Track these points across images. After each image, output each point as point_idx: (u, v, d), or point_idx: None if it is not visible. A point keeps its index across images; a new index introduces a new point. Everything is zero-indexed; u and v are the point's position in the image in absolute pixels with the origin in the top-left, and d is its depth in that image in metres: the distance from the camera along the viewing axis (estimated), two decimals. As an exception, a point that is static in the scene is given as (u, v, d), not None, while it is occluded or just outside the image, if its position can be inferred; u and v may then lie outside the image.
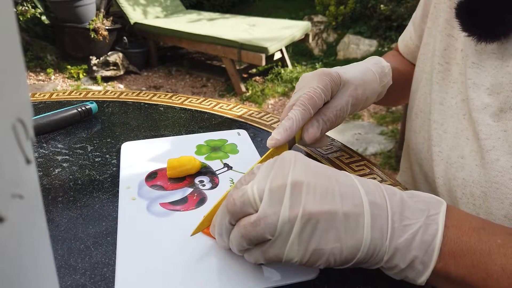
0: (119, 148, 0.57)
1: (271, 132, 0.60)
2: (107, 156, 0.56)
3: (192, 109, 0.69)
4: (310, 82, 0.46)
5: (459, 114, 0.46)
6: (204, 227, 0.39)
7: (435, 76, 0.50)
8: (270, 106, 2.95)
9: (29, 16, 3.45)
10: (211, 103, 0.71)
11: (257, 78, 3.38)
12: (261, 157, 0.54)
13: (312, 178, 0.30)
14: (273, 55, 3.19)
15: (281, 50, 3.27)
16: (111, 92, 0.77)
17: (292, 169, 0.31)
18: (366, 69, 0.51)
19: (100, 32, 3.40)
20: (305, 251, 0.30)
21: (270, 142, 0.44)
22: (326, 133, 0.51)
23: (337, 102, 0.48)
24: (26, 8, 3.45)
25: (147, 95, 0.75)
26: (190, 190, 0.48)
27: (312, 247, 0.30)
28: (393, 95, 0.61)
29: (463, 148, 0.45)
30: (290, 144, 0.47)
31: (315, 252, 0.30)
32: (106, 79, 3.40)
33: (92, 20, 3.43)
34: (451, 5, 0.48)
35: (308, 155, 0.55)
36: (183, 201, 0.46)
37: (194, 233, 0.38)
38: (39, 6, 3.56)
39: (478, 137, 0.42)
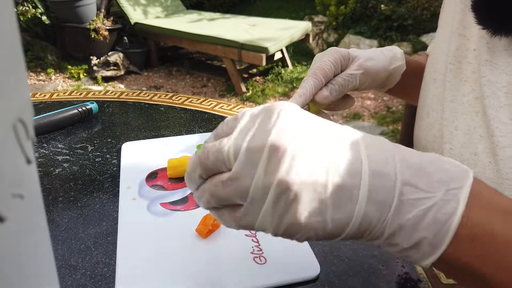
0: (120, 148, 0.57)
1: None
2: (108, 156, 0.56)
3: (192, 109, 0.69)
4: (322, 57, 0.51)
5: (471, 111, 0.47)
6: None
7: (447, 75, 0.51)
8: (270, 106, 2.95)
9: (29, 16, 3.45)
10: (211, 103, 0.71)
11: (258, 78, 3.38)
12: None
13: (298, 141, 0.26)
14: (273, 55, 3.19)
15: (281, 50, 3.27)
16: (111, 92, 0.77)
17: (276, 127, 0.26)
18: (376, 50, 0.55)
19: (100, 32, 3.41)
20: (279, 223, 0.26)
21: None
22: (350, 96, 0.54)
23: (347, 71, 0.51)
24: (27, 8, 3.45)
25: (148, 95, 0.75)
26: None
27: (287, 220, 0.26)
28: (411, 85, 0.63)
29: (476, 145, 0.46)
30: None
31: (291, 226, 0.26)
32: (106, 79, 3.41)
33: (93, 20, 3.43)
34: (464, 6, 0.49)
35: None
36: (183, 201, 0.46)
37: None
38: (39, 6, 3.56)
39: (493, 134, 0.43)
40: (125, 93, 0.76)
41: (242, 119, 0.29)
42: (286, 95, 3.09)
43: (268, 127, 0.26)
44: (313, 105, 0.51)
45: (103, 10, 3.60)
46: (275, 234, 0.27)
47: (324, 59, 0.50)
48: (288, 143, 0.26)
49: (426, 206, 0.26)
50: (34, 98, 0.75)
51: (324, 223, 0.26)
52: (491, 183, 0.43)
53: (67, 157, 0.55)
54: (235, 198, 0.27)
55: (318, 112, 0.53)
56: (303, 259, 0.39)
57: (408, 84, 0.62)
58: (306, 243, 0.41)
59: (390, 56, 0.55)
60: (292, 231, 0.27)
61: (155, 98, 0.74)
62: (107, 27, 3.47)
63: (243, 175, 0.26)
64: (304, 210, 0.26)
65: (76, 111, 0.64)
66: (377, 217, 0.26)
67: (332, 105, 0.52)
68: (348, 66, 0.52)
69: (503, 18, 0.40)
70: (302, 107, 0.47)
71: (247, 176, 0.26)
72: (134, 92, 0.77)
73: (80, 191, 0.48)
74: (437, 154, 0.29)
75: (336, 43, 3.75)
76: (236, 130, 0.28)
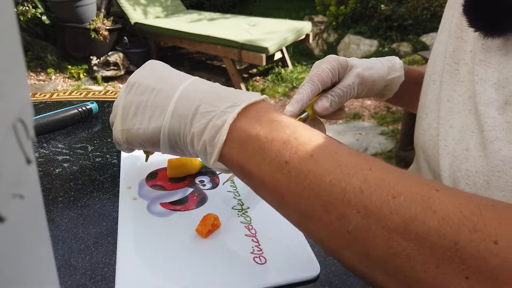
0: (120, 148, 0.57)
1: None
2: (108, 156, 0.56)
3: (192, 109, 0.69)
4: (320, 64, 0.54)
5: (465, 110, 0.48)
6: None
7: (444, 76, 0.52)
8: (270, 106, 2.95)
9: (29, 16, 3.45)
10: (211, 103, 0.71)
11: (258, 78, 3.38)
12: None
13: (143, 78, 0.39)
14: (273, 55, 3.19)
15: (281, 50, 3.27)
16: (111, 92, 0.77)
17: (138, 71, 0.41)
18: (374, 59, 0.57)
19: (100, 32, 3.41)
20: (122, 131, 0.39)
21: (285, 113, 0.50)
22: (342, 108, 0.57)
23: (344, 81, 0.53)
24: (27, 8, 3.45)
25: (148, 95, 0.75)
26: (190, 190, 0.48)
27: (125, 127, 0.38)
28: (411, 95, 0.64)
29: (468, 141, 0.47)
30: (305, 117, 0.53)
31: (127, 132, 0.38)
32: (106, 79, 3.41)
33: (93, 20, 3.43)
34: (461, 9, 0.50)
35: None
36: (183, 201, 0.46)
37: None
38: (39, 6, 3.56)
39: (483, 129, 0.44)
40: (125, 93, 0.76)
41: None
42: (286, 95, 3.09)
43: (135, 72, 0.42)
44: (311, 111, 0.52)
45: (103, 10, 3.60)
46: (126, 142, 0.39)
47: (323, 66, 0.52)
48: (136, 79, 0.40)
49: (210, 116, 0.33)
50: (34, 98, 0.75)
51: (146, 130, 0.37)
52: (481, 176, 0.44)
53: (67, 157, 0.55)
54: (112, 118, 0.41)
55: (314, 119, 0.54)
56: (303, 259, 0.39)
57: (409, 93, 0.62)
58: (306, 243, 0.41)
59: (389, 66, 0.56)
60: (129, 137, 0.39)
61: (155, 98, 0.74)
62: (107, 27, 3.47)
63: (117, 103, 0.40)
64: (133, 120, 0.38)
65: (76, 111, 0.64)
66: (178, 128, 0.35)
67: (327, 115, 0.55)
68: (345, 74, 0.54)
69: (493, 20, 0.41)
70: (299, 112, 0.52)
71: (117, 103, 0.40)
72: (134, 92, 0.77)
73: (80, 191, 0.48)
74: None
75: (336, 43, 3.75)
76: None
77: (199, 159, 0.51)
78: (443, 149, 0.50)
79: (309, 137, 0.31)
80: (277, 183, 0.30)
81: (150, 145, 0.38)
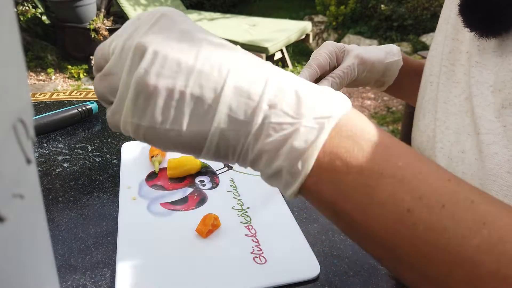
0: (120, 148, 0.57)
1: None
2: (108, 156, 0.56)
3: (192, 109, 0.69)
4: (318, 51, 0.54)
5: (462, 111, 0.48)
6: None
7: (440, 77, 0.53)
8: (270, 106, 2.95)
9: (29, 16, 3.45)
10: (211, 103, 0.71)
11: (258, 78, 3.38)
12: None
13: (166, 45, 0.25)
14: (273, 55, 3.19)
15: (281, 50, 3.27)
16: (111, 92, 0.77)
17: (149, 28, 0.25)
18: (371, 46, 0.58)
19: (100, 32, 3.41)
20: (138, 126, 0.26)
21: None
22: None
23: (344, 63, 0.54)
24: (27, 8, 3.45)
25: (148, 95, 0.75)
26: (190, 190, 0.48)
27: (145, 123, 0.25)
28: (412, 84, 0.64)
29: (464, 143, 0.47)
30: None
31: (148, 130, 0.25)
32: (106, 79, 3.40)
33: (93, 20, 3.43)
34: (457, 10, 0.50)
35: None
36: (183, 200, 0.46)
37: None
38: (39, 6, 3.56)
39: (479, 132, 0.44)
40: (125, 93, 0.76)
41: (131, 21, 0.28)
42: (286, 95, 3.09)
43: (144, 28, 0.26)
44: None
45: (103, 10, 3.60)
46: (137, 137, 0.26)
47: (320, 51, 0.53)
48: (153, 44, 0.25)
49: (287, 132, 0.24)
50: (34, 98, 0.75)
51: (180, 133, 0.25)
52: (476, 179, 0.44)
53: (67, 157, 0.55)
54: (107, 94, 0.27)
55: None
56: (303, 259, 0.39)
57: (409, 83, 0.63)
58: (306, 243, 0.41)
59: (386, 51, 0.58)
60: (151, 137, 0.26)
61: (155, 98, 0.74)
62: (107, 27, 3.47)
63: (114, 72, 0.26)
64: (160, 115, 0.25)
65: (76, 111, 0.64)
66: (235, 138, 0.25)
67: None
68: (344, 58, 0.55)
69: (489, 20, 0.41)
70: None
71: (117, 73, 0.26)
72: (134, 92, 0.77)
73: (80, 191, 0.48)
74: (326, 87, 0.27)
75: (336, 43, 3.75)
76: (122, 28, 0.28)
77: (201, 160, 0.51)
78: (439, 150, 0.50)
79: (429, 173, 0.24)
80: (394, 237, 0.23)
81: (182, 151, 0.27)
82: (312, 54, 0.56)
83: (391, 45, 0.60)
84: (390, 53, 0.58)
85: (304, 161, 0.24)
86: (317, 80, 0.56)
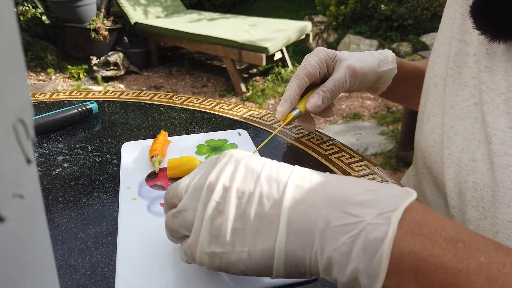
0: (120, 148, 0.57)
1: (271, 132, 0.60)
2: (108, 156, 0.56)
3: (192, 109, 0.69)
4: (308, 58, 0.53)
5: (471, 117, 0.46)
6: None
7: (447, 80, 0.51)
8: (270, 106, 2.95)
9: (29, 16, 3.45)
10: (211, 103, 0.71)
11: (258, 78, 3.38)
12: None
13: (232, 180, 0.28)
14: (273, 55, 3.19)
15: (281, 50, 3.27)
16: (111, 92, 0.77)
17: (216, 169, 0.29)
18: (364, 52, 0.56)
19: (100, 32, 3.41)
20: (213, 254, 0.27)
21: (277, 115, 0.53)
22: (331, 106, 0.56)
23: (335, 75, 0.52)
24: (27, 8, 3.45)
25: (148, 95, 0.75)
26: (190, 190, 0.48)
27: (218, 249, 0.27)
28: (406, 90, 0.63)
29: (474, 151, 0.45)
30: (298, 115, 0.53)
31: (223, 257, 0.27)
32: (106, 79, 3.41)
33: (93, 20, 3.43)
34: (463, 11, 0.49)
35: (308, 155, 0.55)
36: (183, 201, 0.46)
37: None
38: (39, 6, 3.56)
39: (491, 141, 0.42)
40: (125, 93, 0.76)
41: (200, 164, 0.32)
42: (286, 95, 3.09)
43: (211, 169, 0.30)
44: (303, 108, 0.52)
45: (103, 10, 3.60)
46: (214, 268, 0.28)
47: (310, 59, 0.52)
48: (219, 180, 0.28)
49: (354, 233, 0.24)
50: (34, 98, 0.75)
51: (249, 253, 0.26)
52: (489, 190, 0.43)
53: (67, 157, 0.55)
54: (182, 229, 0.30)
55: (304, 115, 0.55)
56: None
57: (403, 88, 0.61)
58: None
59: (380, 59, 0.56)
60: (225, 263, 0.27)
61: (155, 98, 0.74)
62: (107, 27, 3.47)
63: (188, 207, 0.29)
64: (230, 240, 0.27)
65: (76, 111, 0.64)
66: (301, 248, 0.25)
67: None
68: (335, 66, 0.53)
69: (501, 24, 0.40)
70: (291, 110, 0.52)
71: (191, 209, 0.29)
72: (134, 92, 0.77)
73: (80, 191, 0.48)
74: (383, 184, 0.28)
75: (336, 43, 3.75)
76: (193, 171, 0.32)
77: (199, 159, 0.51)
78: (447, 157, 0.48)
79: None
80: None
81: (257, 272, 0.27)
82: (303, 60, 0.55)
83: (386, 51, 0.58)
84: (384, 61, 0.56)
85: (379, 261, 0.23)
86: (307, 90, 0.54)
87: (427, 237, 0.24)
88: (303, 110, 0.53)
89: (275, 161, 0.30)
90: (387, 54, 0.57)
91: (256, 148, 0.54)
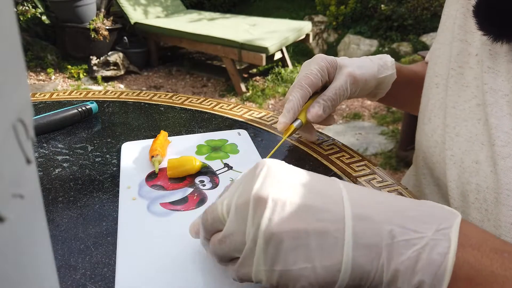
0: (120, 148, 0.57)
1: (271, 132, 0.60)
2: (108, 156, 0.56)
3: (192, 109, 0.69)
4: (309, 66, 0.51)
5: (473, 118, 0.46)
6: None
7: (449, 81, 0.50)
8: (270, 106, 2.95)
9: (29, 16, 3.45)
10: (211, 103, 0.71)
11: (258, 78, 3.38)
12: (261, 157, 0.54)
13: (280, 191, 0.27)
14: (273, 55, 3.19)
15: (281, 50, 3.27)
16: (111, 92, 0.77)
17: (259, 181, 0.28)
18: (364, 58, 0.55)
19: (100, 32, 3.41)
20: (272, 271, 0.27)
21: (278, 126, 0.51)
22: (332, 114, 0.55)
23: (335, 83, 0.51)
24: (27, 8, 3.45)
25: (148, 95, 0.75)
26: (190, 190, 0.48)
27: (278, 267, 0.27)
28: (404, 95, 0.62)
29: (477, 153, 0.45)
30: (299, 126, 0.51)
31: (283, 274, 0.27)
32: (106, 79, 3.41)
33: (93, 20, 3.43)
34: (465, 11, 0.48)
35: (308, 155, 0.55)
36: (183, 201, 0.46)
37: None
38: (39, 6, 3.56)
39: (494, 143, 0.42)
40: (125, 93, 0.76)
41: (233, 183, 0.31)
42: (286, 95, 3.09)
43: (252, 184, 0.28)
44: (304, 119, 0.51)
45: (103, 10, 3.60)
46: (271, 285, 0.28)
47: (311, 68, 0.50)
48: (269, 193, 0.27)
49: (419, 247, 0.25)
50: (34, 98, 0.75)
51: (314, 269, 0.26)
52: (492, 192, 0.42)
53: (67, 157, 0.55)
54: (232, 252, 0.29)
55: (305, 124, 0.54)
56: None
57: (401, 93, 0.61)
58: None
59: (380, 64, 0.55)
60: (286, 280, 0.27)
61: (155, 98, 0.74)
62: (107, 27, 3.47)
63: (235, 230, 0.28)
64: (293, 257, 0.26)
65: (76, 111, 0.64)
66: (368, 262, 0.26)
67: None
68: (336, 74, 0.52)
69: (505, 24, 0.40)
70: (293, 121, 0.50)
71: (238, 230, 0.28)
72: (134, 92, 0.77)
73: (80, 191, 0.48)
74: (423, 200, 0.29)
75: (336, 43, 3.75)
76: (228, 191, 0.31)
77: (199, 159, 0.51)
78: (450, 158, 0.48)
79: None
80: None
81: (319, 287, 0.27)
82: (303, 66, 0.53)
83: (385, 56, 0.57)
84: (384, 66, 0.55)
85: (443, 273, 0.25)
86: (308, 99, 0.53)
87: (475, 248, 0.26)
88: (304, 121, 0.51)
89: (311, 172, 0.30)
90: (386, 59, 0.56)
91: (258, 151, 0.54)
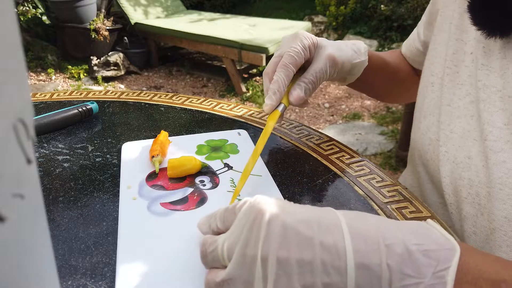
0: (120, 148, 0.57)
1: (271, 132, 0.60)
2: (108, 156, 0.56)
3: (192, 109, 0.69)
4: (291, 42, 0.50)
5: (467, 115, 0.46)
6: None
7: (444, 79, 0.51)
8: (270, 106, 2.95)
9: (30, 16, 3.45)
10: (211, 103, 0.71)
11: (258, 78, 3.38)
12: (261, 157, 0.54)
13: (286, 249, 0.27)
14: (273, 55, 3.18)
15: (281, 50, 3.27)
16: (111, 92, 0.77)
17: (265, 236, 0.28)
18: (340, 42, 0.55)
19: (100, 32, 3.41)
20: None
21: (265, 108, 0.49)
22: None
23: (316, 65, 0.50)
24: (27, 8, 3.45)
25: (148, 95, 0.75)
26: (190, 190, 0.48)
27: None
28: (373, 83, 0.63)
29: (470, 148, 0.45)
30: (283, 110, 0.51)
31: None
32: (106, 79, 3.41)
33: (93, 20, 3.43)
34: (461, 11, 0.49)
35: (308, 155, 0.55)
36: (183, 200, 0.46)
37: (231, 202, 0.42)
38: (40, 6, 3.56)
39: (486, 138, 0.42)
40: (125, 93, 0.76)
41: (235, 222, 0.30)
42: (286, 95, 3.08)
43: (258, 236, 0.28)
44: (286, 102, 0.51)
45: (103, 10, 3.60)
46: None
47: (294, 46, 0.49)
48: (276, 253, 0.27)
49: None
50: (34, 98, 0.75)
51: None
52: (484, 187, 0.43)
53: (67, 157, 0.55)
54: None
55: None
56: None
57: (368, 79, 0.61)
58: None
59: (354, 50, 0.54)
60: None
61: (155, 98, 0.74)
62: (107, 27, 3.47)
63: (237, 280, 0.28)
64: None
65: (76, 111, 0.64)
66: None
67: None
68: (315, 54, 0.51)
69: (499, 19, 0.40)
70: (278, 103, 0.49)
71: (241, 281, 0.28)
72: (134, 92, 0.77)
73: (80, 191, 0.48)
74: (424, 224, 0.29)
75: (336, 43, 3.74)
76: (229, 232, 0.30)
77: (199, 159, 0.51)
78: (443, 155, 0.49)
79: None
80: None
81: None
82: (284, 41, 0.51)
83: (359, 42, 0.56)
84: (357, 52, 0.55)
85: None
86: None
87: (472, 283, 0.26)
88: (287, 104, 0.51)
89: (314, 207, 0.30)
90: (360, 46, 0.56)
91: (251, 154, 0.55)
